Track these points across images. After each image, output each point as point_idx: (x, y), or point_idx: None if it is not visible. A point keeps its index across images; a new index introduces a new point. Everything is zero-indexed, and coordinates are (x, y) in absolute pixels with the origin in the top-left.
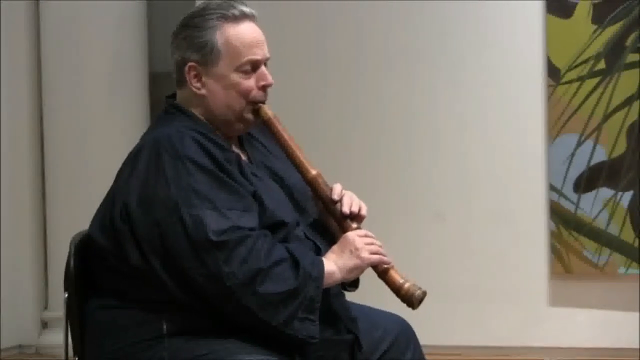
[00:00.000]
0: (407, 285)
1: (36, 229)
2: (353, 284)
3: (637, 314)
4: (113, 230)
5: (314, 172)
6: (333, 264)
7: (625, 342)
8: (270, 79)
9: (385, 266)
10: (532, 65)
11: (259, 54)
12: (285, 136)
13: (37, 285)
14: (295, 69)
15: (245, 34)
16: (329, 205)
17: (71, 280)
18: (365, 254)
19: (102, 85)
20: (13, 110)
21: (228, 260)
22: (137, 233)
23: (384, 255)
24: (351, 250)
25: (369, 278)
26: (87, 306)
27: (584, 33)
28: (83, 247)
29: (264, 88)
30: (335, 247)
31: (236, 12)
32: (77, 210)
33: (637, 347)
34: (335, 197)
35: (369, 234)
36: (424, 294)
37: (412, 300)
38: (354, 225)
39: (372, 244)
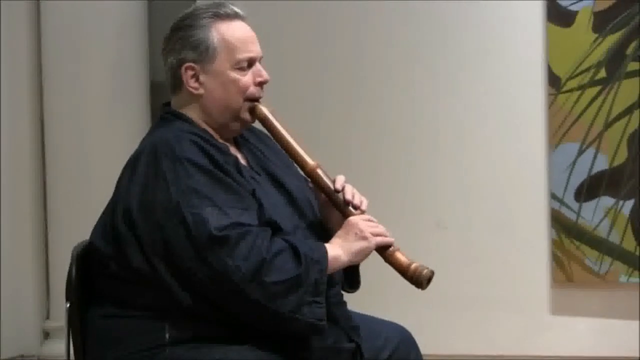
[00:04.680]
0: (414, 265)
1: (37, 238)
2: (354, 285)
3: (638, 322)
4: (115, 235)
5: (313, 163)
6: (338, 247)
7: (627, 350)
8: (266, 75)
9: (391, 247)
10: (533, 74)
11: (254, 51)
12: (283, 130)
13: (39, 294)
14: (294, 76)
15: (239, 31)
16: (331, 195)
17: (73, 290)
18: (369, 236)
19: (103, 94)
20: (14, 118)
21: (231, 256)
22: (139, 237)
23: (388, 240)
24: (356, 233)
25: (370, 287)
26: (88, 316)
27: (585, 41)
28: (85, 257)
29: (260, 84)
30: (339, 232)
31: (228, 10)
32: (78, 219)
33: (638, 355)
34: (338, 186)
35: (372, 218)
36: (432, 273)
37: (420, 279)
38: (357, 212)
39: (376, 227)
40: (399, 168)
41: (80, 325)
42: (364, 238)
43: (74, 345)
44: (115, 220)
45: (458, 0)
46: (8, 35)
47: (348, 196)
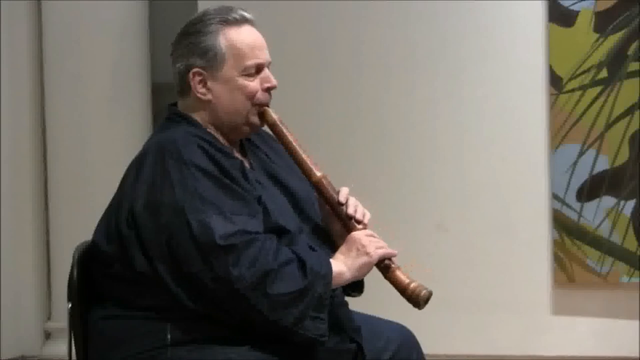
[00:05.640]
0: (413, 285)
1: (39, 239)
2: (358, 290)
3: (639, 322)
4: (118, 236)
5: (319, 174)
6: (342, 264)
7: (628, 350)
8: (274, 81)
9: (392, 266)
10: (534, 74)
11: (262, 57)
12: (291, 138)
13: (40, 295)
14: (293, 78)
15: (248, 37)
16: (334, 207)
17: (74, 291)
18: (372, 250)
19: (105, 96)
20: (15, 120)
21: (236, 263)
22: (143, 238)
23: (390, 252)
24: (358, 249)
25: (372, 287)
26: (90, 316)
27: (586, 42)
28: (86, 257)
29: (268, 90)
30: (342, 248)
31: (237, 16)
32: (80, 220)
33: (639, 356)
34: (342, 199)
35: (374, 234)
36: (430, 293)
37: (418, 299)
38: (360, 226)
39: (377, 242)
40: (399, 170)
41: (82, 326)
42: (366, 254)
43: (75, 346)
44: (119, 220)
45: (458, 1)
46: (9, 36)
47: (350, 210)
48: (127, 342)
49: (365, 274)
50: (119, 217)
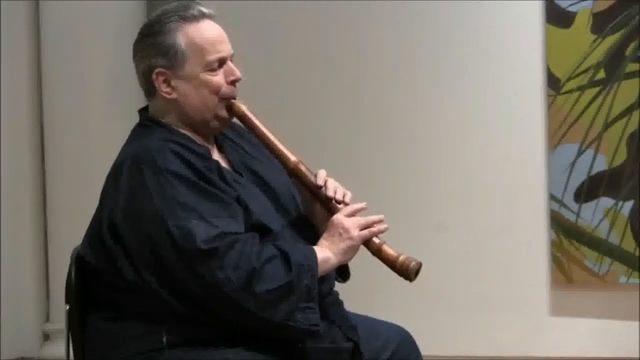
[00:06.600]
0: (401, 258)
1: (37, 241)
2: (345, 276)
3: (638, 323)
4: (103, 249)
5: (294, 159)
6: (326, 249)
7: (627, 351)
8: (238, 73)
9: (377, 243)
10: (532, 75)
11: (224, 51)
12: (262, 127)
13: (39, 297)
14: (296, 79)
15: (207, 32)
16: (314, 191)
17: (72, 293)
18: (355, 232)
19: (103, 95)
20: (13, 119)
21: (221, 267)
22: (127, 250)
23: (374, 224)
24: (340, 233)
25: (370, 287)
26: (88, 318)
27: (584, 43)
28: (84, 259)
29: (233, 83)
30: (325, 234)
31: (195, 12)
32: (78, 222)
33: (638, 356)
34: (320, 182)
35: (355, 207)
36: (419, 265)
37: (408, 272)
38: (341, 206)
39: (359, 220)
40: (399, 170)
41: (80, 327)
42: (350, 237)
43: (73, 348)
44: (102, 232)
45: (458, 1)
46: (8, 36)
47: (330, 192)
48: (124, 343)
49: (351, 257)
50: (101, 230)
